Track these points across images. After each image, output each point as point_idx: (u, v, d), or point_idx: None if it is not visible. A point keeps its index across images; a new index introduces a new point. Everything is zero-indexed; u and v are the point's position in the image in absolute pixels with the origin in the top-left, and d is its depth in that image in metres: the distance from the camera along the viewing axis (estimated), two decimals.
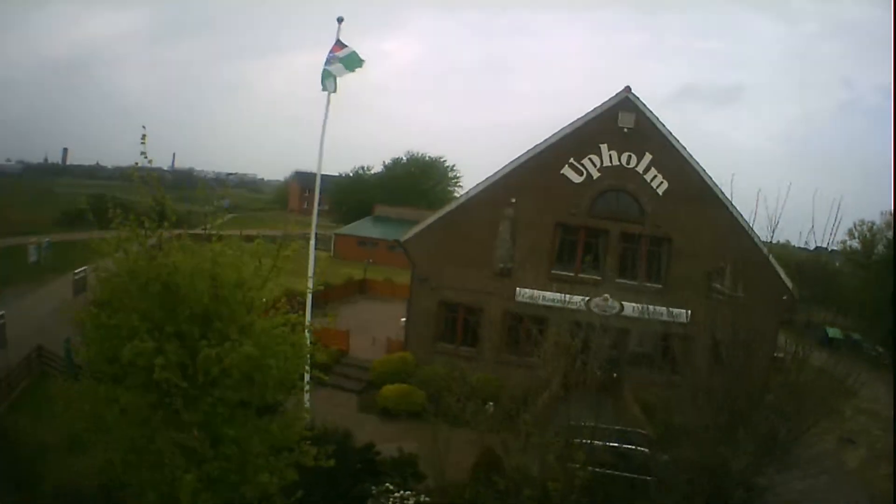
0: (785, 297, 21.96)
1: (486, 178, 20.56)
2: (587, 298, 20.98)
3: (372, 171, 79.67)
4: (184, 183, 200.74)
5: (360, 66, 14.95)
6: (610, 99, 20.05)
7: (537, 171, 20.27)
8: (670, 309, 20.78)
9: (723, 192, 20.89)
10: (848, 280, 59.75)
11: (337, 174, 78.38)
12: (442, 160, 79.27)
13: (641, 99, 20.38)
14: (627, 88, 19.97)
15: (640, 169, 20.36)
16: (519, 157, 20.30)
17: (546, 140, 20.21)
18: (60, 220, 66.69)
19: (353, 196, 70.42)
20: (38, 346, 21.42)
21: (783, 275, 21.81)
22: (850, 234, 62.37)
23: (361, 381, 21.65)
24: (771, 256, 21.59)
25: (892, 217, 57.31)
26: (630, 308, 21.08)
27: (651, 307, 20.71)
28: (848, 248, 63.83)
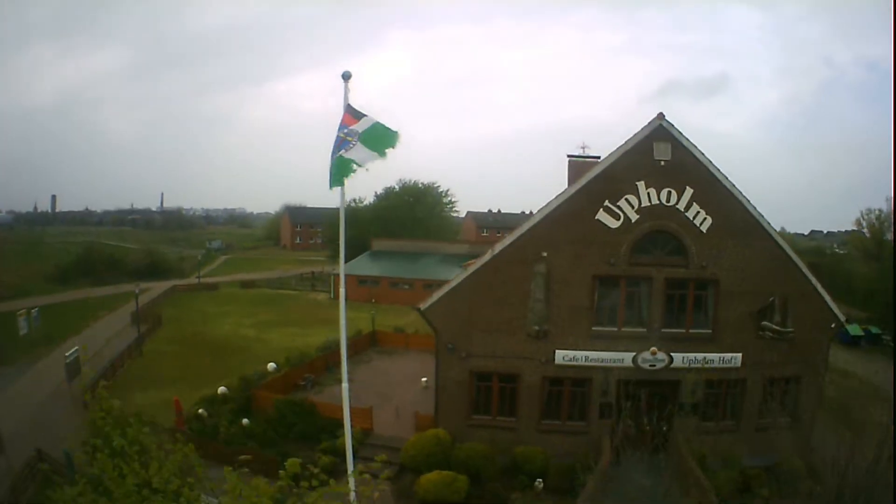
0: (833, 325, 20.06)
1: (513, 232, 18.12)
2: (633, 354, 18.69)
3: (365, 202, 77.34)
4: (174, 223, 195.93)
5: (394, 145, 9.38)
6: (642, 129, 17.67)
7: (569, 220, 17.86)
8: (722, 355, 19.03)
9: (768, 223, 18.87)
10: (859, 267, 57.94)
11: (330, 206, 75.94)
12: (435, 185, 77.17)
13: (655, 119, 18.15)
14: (661, 115, 17.62)
15: (681, 206, 18.03)
16: (548, 205, 17.86)
17: (576, 184, 17.81)
18: (52, 275, 64.20)
19: (348, 230, 67.35)
20: (37, 450, 19.14)
21: (829, 301, 19.76)
22: (858, 223, 60.62)
23: (392, 464, 19.11)
24: (818, 284, 19.72)
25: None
26: (679, 358, 18.87)
27: (701, 356, 18.86)
28: (857, 237, 61.99)
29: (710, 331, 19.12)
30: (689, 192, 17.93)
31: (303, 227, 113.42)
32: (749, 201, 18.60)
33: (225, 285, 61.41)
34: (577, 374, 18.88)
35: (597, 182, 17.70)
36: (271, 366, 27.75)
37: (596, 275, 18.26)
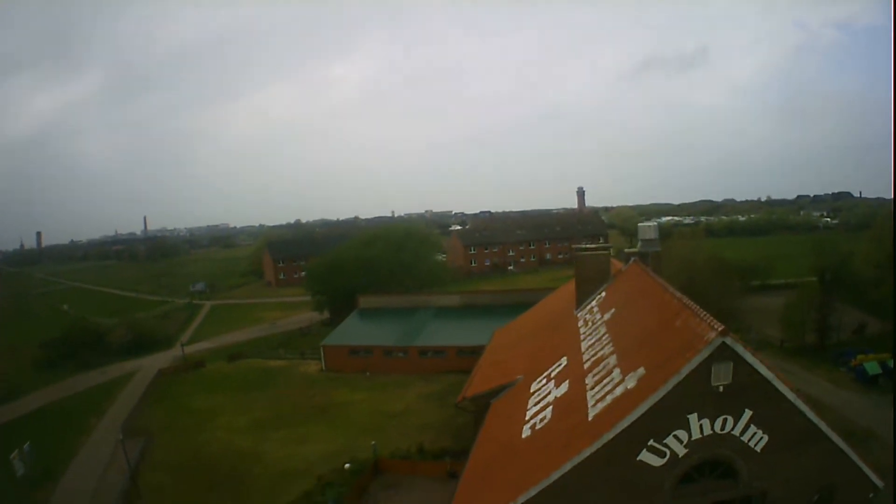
0: (872, 495, 16.39)
1: (536, 485, 13.90)
2: None
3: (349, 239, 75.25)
4: (158, 252, 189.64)
5: None
6: (700, 353, 13.38)
7: (602, 466, 13.72)
8: None
9: (823, 423, 14.91)
10: (870, 274, 52.99)
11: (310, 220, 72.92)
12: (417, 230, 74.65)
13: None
14: (724, 331, 13.45)
15: (737, 431, 14.05)
16: (580, 454, 13.70)
17: (614, 427, 13.63)
18: (39, 359, 59.94)
19: (333, 280, 62.48)
20: None
21: (871, 474, 15.68)
22: (872, 233, 56.23)
23: None
24: (861, 462, 15.74)
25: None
26: None
27: None
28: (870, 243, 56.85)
29: None
30: (747, 414, 13.94)
31: (285, 262, 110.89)
32: (806, 406, 14.63)
33: (211, 356, 56.56)
34: None
35: (640, 423, 13.55)
36: None
37: None
